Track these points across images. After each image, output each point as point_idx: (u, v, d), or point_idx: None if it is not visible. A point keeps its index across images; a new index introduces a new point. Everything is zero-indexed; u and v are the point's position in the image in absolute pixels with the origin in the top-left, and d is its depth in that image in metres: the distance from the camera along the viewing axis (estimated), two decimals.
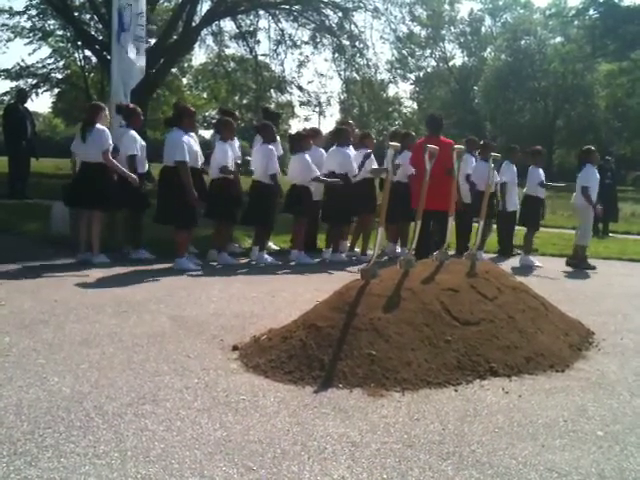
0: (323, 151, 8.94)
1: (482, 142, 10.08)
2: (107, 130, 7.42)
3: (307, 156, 8.22)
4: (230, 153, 7.84)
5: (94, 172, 7.32)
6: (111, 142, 7.37)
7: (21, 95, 14.13)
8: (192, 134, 7.53)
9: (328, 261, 8.45)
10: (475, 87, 49.91)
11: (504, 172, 9.41)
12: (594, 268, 8.79)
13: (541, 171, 9.38)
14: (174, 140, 7.22)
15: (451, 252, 7.22)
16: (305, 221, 8.40)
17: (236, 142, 8.40)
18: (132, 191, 7.59)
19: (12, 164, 12.89)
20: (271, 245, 8.84)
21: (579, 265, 8.84)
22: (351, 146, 8.91)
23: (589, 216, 9.00)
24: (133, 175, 7.45)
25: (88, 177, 7.35)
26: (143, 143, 7.92)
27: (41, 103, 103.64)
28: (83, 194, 7.37)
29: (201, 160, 7.57)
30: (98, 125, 7.33)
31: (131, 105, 8.06)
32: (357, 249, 9.07)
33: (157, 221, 7.48)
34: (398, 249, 9.11)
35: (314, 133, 9.25)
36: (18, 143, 12.65)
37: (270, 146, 8.04)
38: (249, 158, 8.36)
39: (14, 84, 25.86)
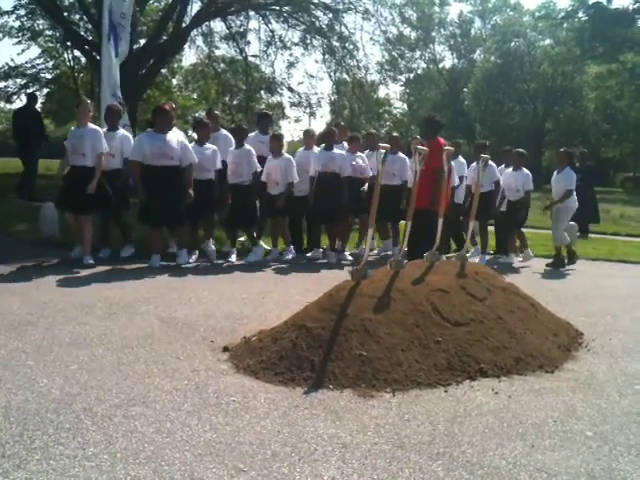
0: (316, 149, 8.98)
1: (477, 143, 10.12)
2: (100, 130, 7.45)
3: (291, 158, 8.41)
4: (206, 155, 7.81)
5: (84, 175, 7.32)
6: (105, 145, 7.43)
7: (32, 98, 14.29)
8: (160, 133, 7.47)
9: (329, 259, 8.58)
10: (465, 89, 49.95)
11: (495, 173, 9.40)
12: (564, 266, 8.82)
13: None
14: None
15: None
16: (286, 220, 8.59)
17: (230, 141, 8.39)
18: (116, 190, 7.59)
19: (28, 166, 12.99)
20: (262, 245, 8.85)
21: (556, 264, 8.86)
22: (344, 143, 9.13)
23: (563, 217, 8.97)
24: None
25: (76, 180, 7.36)
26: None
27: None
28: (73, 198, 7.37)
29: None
30: (90, 125, 7.35)
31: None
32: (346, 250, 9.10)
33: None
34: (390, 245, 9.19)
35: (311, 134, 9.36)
36: (31, 145, 12.71)
37: (247, 147, 8.14)
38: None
39: (2, 84, 25.75)
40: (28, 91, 25.32)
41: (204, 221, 8.07)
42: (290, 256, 8.35)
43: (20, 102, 26.49)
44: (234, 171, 8.11)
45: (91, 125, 7.40)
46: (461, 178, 9.20)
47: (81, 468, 2.69)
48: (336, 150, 8.60)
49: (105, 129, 7.94)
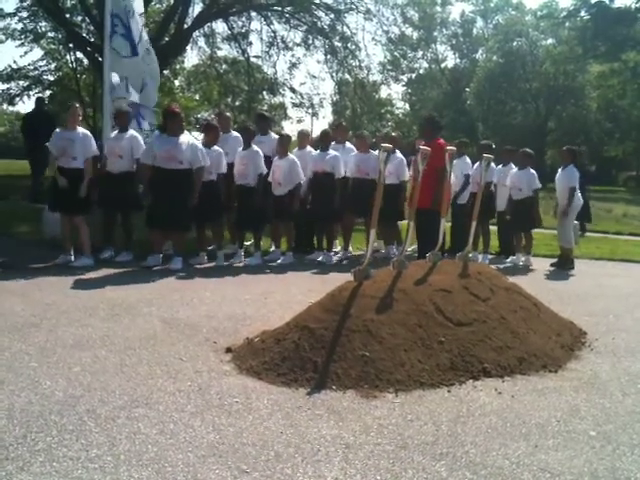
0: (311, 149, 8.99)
1: (481, 143, 10.10)
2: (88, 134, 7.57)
3: (295, 158, 8.37)
4: (211, 157, 7.78)
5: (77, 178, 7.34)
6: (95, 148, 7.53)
7: (40, 102, 14.41)
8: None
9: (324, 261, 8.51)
10: (467, 89, 49.89)
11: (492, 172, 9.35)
12: (573, 268, 8.78)
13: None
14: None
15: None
16: (292, 224, 8.57)
17: (240, 142, 8.39)
18: (125, 192, 7.60)
19: (35, 168, 13.04)
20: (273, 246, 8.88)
21: (562, 265, 8.82)
22: (347, 143, 9.22)
23: (569, 216, 8.94)
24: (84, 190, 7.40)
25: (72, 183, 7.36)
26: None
27: (33, 105, 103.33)
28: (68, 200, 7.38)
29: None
30: (80, 129, 7.40)
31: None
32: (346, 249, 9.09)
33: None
34: (394, 250, 9.15)
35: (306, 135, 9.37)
36: (40, 148, 12.82)
37: (254, 148, 8.14)
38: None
39: (5, 86, 25.77)
40: (31, 93, 25.44)
41: (211, 224, 8.04)
42: (288, 261, 8.30)
43: (23, 104, 26.61)
44: (241, 172, 8.09)
45: (81, 129, 7.49)
46: (467, 177, 9.20)
47: (84, 470, 2.69)
48: (331, 151, 8.60)
49: (116, 131, 7.99)
